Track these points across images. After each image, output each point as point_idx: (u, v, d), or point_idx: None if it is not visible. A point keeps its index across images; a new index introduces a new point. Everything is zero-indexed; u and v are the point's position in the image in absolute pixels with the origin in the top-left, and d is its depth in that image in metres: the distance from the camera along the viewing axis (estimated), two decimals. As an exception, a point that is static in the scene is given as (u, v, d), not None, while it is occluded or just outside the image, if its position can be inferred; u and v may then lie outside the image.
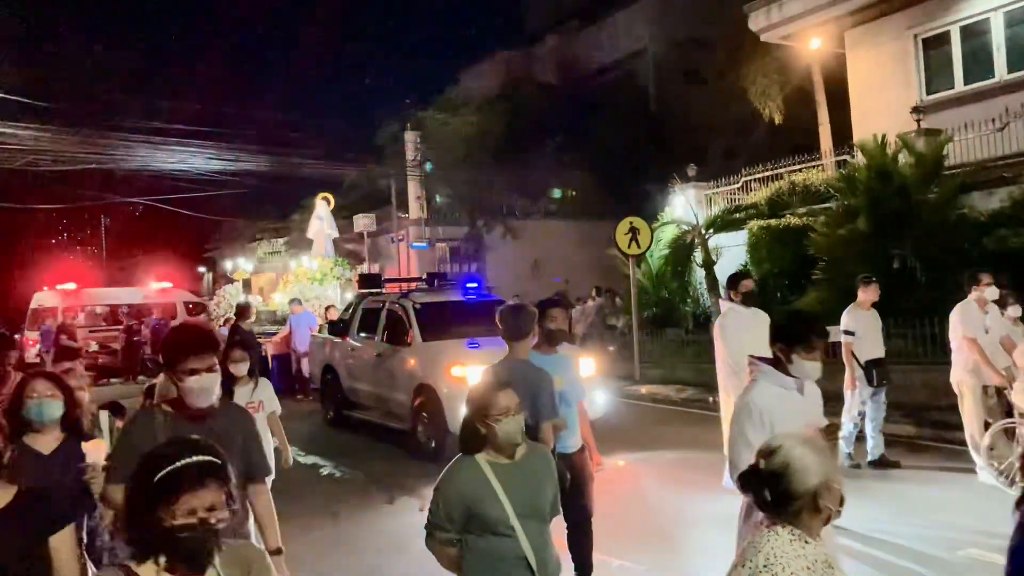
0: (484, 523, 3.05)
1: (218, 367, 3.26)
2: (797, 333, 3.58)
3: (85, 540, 3.72)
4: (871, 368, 8.13)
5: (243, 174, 27.20)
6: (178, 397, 3.25)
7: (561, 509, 3.40)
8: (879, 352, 8.33)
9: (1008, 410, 7.45)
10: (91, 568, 3.71)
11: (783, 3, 17.27)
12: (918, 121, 14.66)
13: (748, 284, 7.20)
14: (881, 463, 8.22)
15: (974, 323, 7.58)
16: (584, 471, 5.07)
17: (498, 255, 27.76)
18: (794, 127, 22.75)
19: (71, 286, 23.01)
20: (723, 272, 16.90)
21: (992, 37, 15.23)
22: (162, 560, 1.97)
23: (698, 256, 17.22)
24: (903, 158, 13.67)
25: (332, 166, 27.76)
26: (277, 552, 3.31)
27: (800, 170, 17.62)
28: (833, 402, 10.30)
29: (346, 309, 13.59)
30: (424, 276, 12.84)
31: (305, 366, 14.24)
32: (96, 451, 3.65)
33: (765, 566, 2.19)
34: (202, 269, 43.61)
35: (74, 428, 3.75)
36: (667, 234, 18.09)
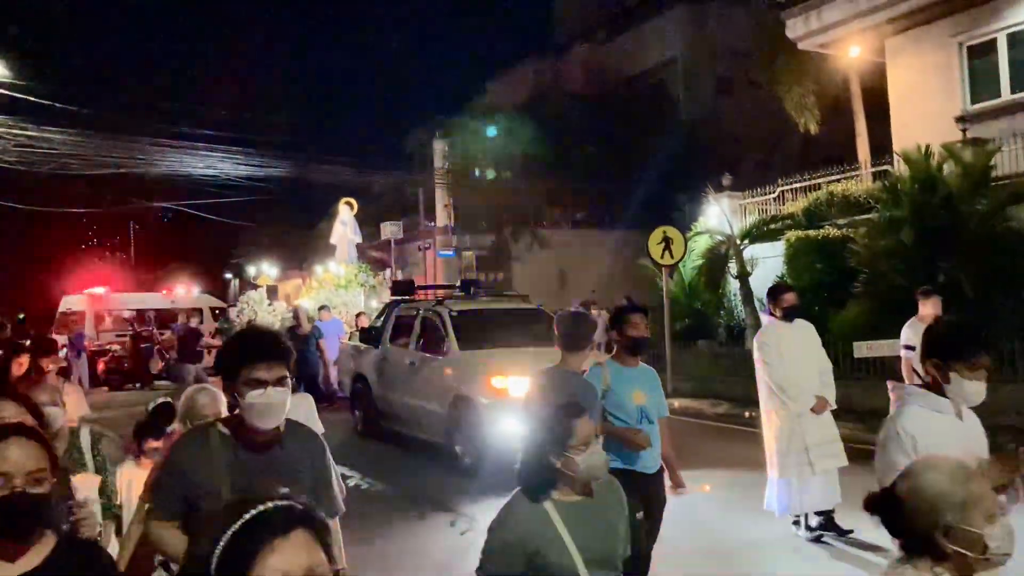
0: (547, 574, 2.64)
1: (289, 381, 2.62)
2: (957, 346, 2.96)
3: None
4: None
5: (271, 180, 27.28)
6: (236, 415, 2.67)
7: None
8: None
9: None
10: None
11: (822, 11, 16.92)
12: (964, 131, 14.26)
13: (790, 298, 6.64)
14: None
15: None
16: (659, 496, 4.72)
17: (525, 264, 27.52)
18: (828, 138, 22.35)
19: (100, 290, 23.05)
20: (758, 283, 16.56)
21: (1041, 45, 14.82)
22: None
23: (733, 267, 16.85)
24: (948, 168, 13.28)
25: (360, 173, 27.75)
26: None
27: (838, 180, 17.22)
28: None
29: (378, 316, 13.32)
30: (459, 283, 12.52)
31: (332, 373, 14.00)
32: (87, 485, 3.21)
33: None
34: (228, 275, 43.74)
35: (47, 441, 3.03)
36: (700, 244, 17.74)
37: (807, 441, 6.26)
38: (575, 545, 2.63)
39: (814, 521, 6.43)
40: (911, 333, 7.98)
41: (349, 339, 13.91)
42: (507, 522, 2.72)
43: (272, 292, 26.45)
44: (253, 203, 33.32)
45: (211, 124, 29.29)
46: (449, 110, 30.59)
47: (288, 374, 2.60)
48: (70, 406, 5.67)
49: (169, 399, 4.26)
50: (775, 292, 6.82)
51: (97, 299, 22.88)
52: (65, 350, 20.45)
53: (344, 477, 9.23)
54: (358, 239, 21.75)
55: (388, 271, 24.96)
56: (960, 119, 14.54)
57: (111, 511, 3.62)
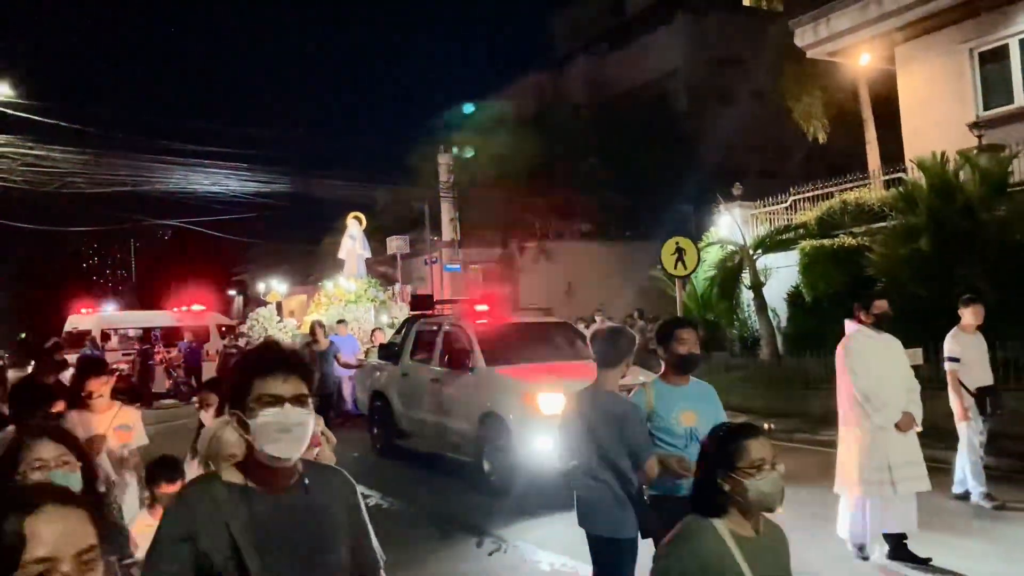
0: None
1: (311, 401, 2.19)
2: None
3: None
4: (983, 396, 7.47)
5: (275, 196, 27.20)
6: (249, 455, 2.15)
7: None
8: (988, 378, 7.66)
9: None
10: None
11: (831, 19, 16.87)
12: (979, 137, 14.17)
13: (883, 304, 6.14)
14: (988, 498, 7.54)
15: None
16: None
17: (531, 277, 27.39)
18: (834, 146, 22.30)
19: (108, 308, 22.93)
20: (772, 294, 16.45)
21: (1053, 50, 14.76)
22: None
23: (746, 278, 16.72)
24: (963, 175, 13.19)
25: (364, 188, 27.68)
26: None
27: (851, 189, 17.12)
28: (933, 437, 9.65)
29: (396, 332, 13.13)
30: (479, 297, 12.35)
31: (346, 389, 13.81)
32: (145, 531, 2.84)
33: None
34: (232, 292, 43.62)
35: (96, 503, 2.52)
36: (712, 255, 17.61)
37: (890, 459, 5.81)
38: None
39: (885, 547, 6.01)
40: (954, 344, 7.64)
41: (365, 355, 13.71)
42: (686, 546, 2.48)
43: (277, 309, 26.31)
44: (257, 220, 33.32)
45: (214, 141, 29.29)
46: (453, 124, 30.54)
47: (309, 393, 2.18)
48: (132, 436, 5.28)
49: (173, 456, 3.95)
50: (866, 298, 6.28)
51: (103, 317, 22.74)
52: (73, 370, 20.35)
53: (364, 497, 9.11)
54: (367, 254, 21.61)
55: (396, 286, 24.79)
56: (976, 125, 14.46)
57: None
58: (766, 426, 4.34)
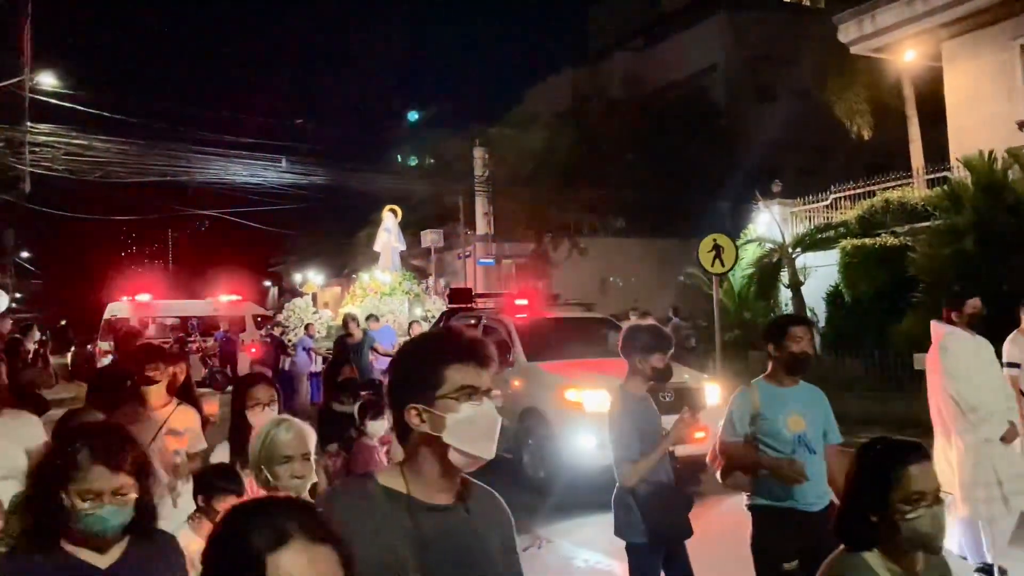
0: None
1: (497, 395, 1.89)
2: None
3: None
4: None
5: (311, 188, 27.37)
6: (408, 459, 1.84)
7: None
8: None
9: None
10: None
11: (876, 14, 16.58)
12: (1028, 135, 13.84)
13: (976, 304, 5.61)
14: None
15: None
16: (825, 538, 4.04)
17: (565, 273, 27.29)
18: (874, 144, 21.94)
19: (146, 297, 23.22)
20: (811, 293, 16.23)
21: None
22: None
23: (784, 276, 16.51)
24: (1012, 174, 12.90)
25: (399, 181, 27.77)
26: None
27: (893, 187, 16.83)
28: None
29: (434, 325, 13.13)
30: (516, 291, 12.24)
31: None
32: (192, 542, 2.57)
33: None
34: (268, 283, 44.01)
35: (146, 523, 2.21)
36: (749, 253, 17.40)
37: (999, 474, 5.25)
38: None
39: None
40: (1015, 349, 7.12)
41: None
42: None
43: (312, 300, 26.49)
44: (292, 211, 33.56)
45: (252, 132, 29.49)
46: (489, 118, 30.57)
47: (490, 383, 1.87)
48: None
49: (229, 465, 3.46)
50: (958, 297, 5.70)
51: (142, 306, 23.05)
52: (109, 358, 20.63)
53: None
54: (402, 246, 21.63)
55: (429, 279, 24.88)
56: (1024, 124, 14.13)
57: None
58: None
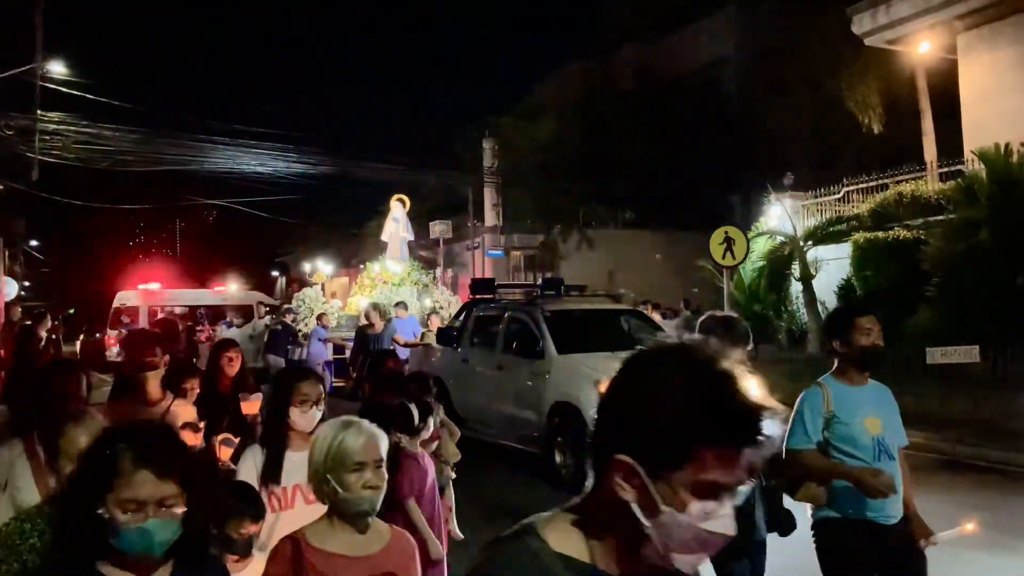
0: None
1: None
2: None
3: None
4: None
5: (319, 179, 27.37)
6: (609, 523, 1.29)
7: None
8: None
9: None
10: None
11: (891, 5, 16.45)
12: (1046, 129, 13.70)
13: None
14: None
15: None
16: (910, 553, 3.55)
17: (573, 264, 27.20)
18: (887, 137, 21.77)
19: (155, 286, 23.25)
20: (822, 286, 16.14)
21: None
22: None
23: (796, 269, 16.43)
24: (1028, 168, 12.79)
25: (409, 172, 27.71)
26: None
27: (906, 181, 16.72)
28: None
29: (455, 316, 12.78)
30: (539, 282, 11.86)
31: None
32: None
33: None
34: (275, 273, 44.07)
35: (195, 544, 1.86)
36: (759, 246, 17.33)
37: None
38: None
39: None
40: None
41: (421, 339, 13.53)
42: None
43: (321, 290, 26.52)
44: (301, 201, 33.60)
45: (261, 122, 29.49)
46: (498, 109, 30.45)
47: None
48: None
49: (249, 484, 3.11)
50: None
51: (151, 295, 23.07)
52: (119, 346, 20.65)
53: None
54: (410, 236, 21.58)
55: (437, 270, 24.84)
56: (1040, 117, 13.99)
57: None
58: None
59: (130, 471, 1.72)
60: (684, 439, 1.18)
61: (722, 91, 31.48)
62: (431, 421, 4.67)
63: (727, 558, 3.47)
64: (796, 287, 16.82)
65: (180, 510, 1.75)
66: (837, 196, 18.10)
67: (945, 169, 16.94)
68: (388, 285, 18.70)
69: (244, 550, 2.93)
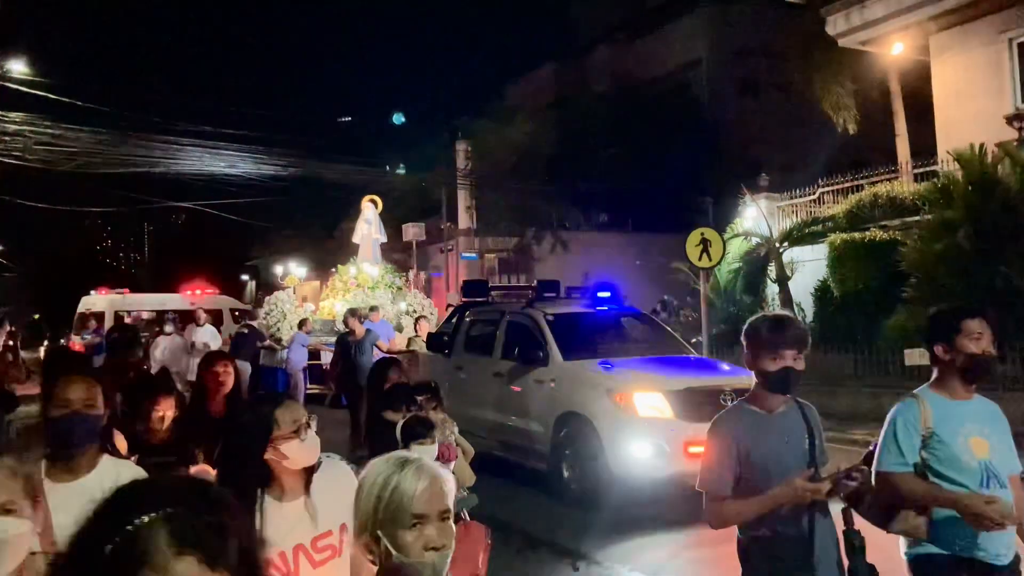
0: None
1: None
2: None
3: None
4: None
5: (289, 180, 26.97)
6: None
7: None
8: None
9: None
10: None
11: (865, 6, 16.45)
12: (1020, 130, 13.77)
13: None
14: None
15: None
16: None
17: (547, 267, 27.06)
18: (858, 139, 21.85)
19: (121, 290, 22.74)
20: (798, 287, 16.10)
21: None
22: None
23: (772, 271, 16.37)
24: (1002, 169, 12.81)
25: (380, 174, 27.41)
26: None
27: (879, 182, 16.75)
28: None
29: (446, 321, 12.16)
30: (534, 284, 11.19)
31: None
32: None
33: None
34: (245, 277, 43.47)
35: None
36: (735, 247, 17.26)
37: None
38: None
39: None
40: None
41: (408, 346, 13.14)
42: None
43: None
44: (270, 205, 33.09)
45: (230, 124, 29.05)
46: (471, 111, 30.27)
47: None
48: None
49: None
50: None
51: (117, 299, 22.56)
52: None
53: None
54: (383, 238, 21.24)
55: (410, 273, 24.53)
56: (1013, 118, 14.04)
57: None
58: None
59: (166, 557, 1.08)
60: None
61: (695, 93, 31.55)
62: (432, 448, 3.98)
63: None
64: (772, 289, 16.77)
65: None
66: (812, 197, 18.10)
67: (919, 170, 17.00)
68: (363, 289, 18.37)
69: None
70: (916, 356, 11.21)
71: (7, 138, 19.27)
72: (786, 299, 15.96)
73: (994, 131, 14.03)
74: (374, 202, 21.38)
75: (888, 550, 3.15)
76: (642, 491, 7.18)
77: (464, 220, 27.21)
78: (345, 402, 11.84)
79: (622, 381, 7.79)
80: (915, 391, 3.17)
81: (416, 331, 13.99)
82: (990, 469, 2.97)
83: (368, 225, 20.97)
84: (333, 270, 23.32)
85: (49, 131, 19.52)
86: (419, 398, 4.69)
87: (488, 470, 8.94)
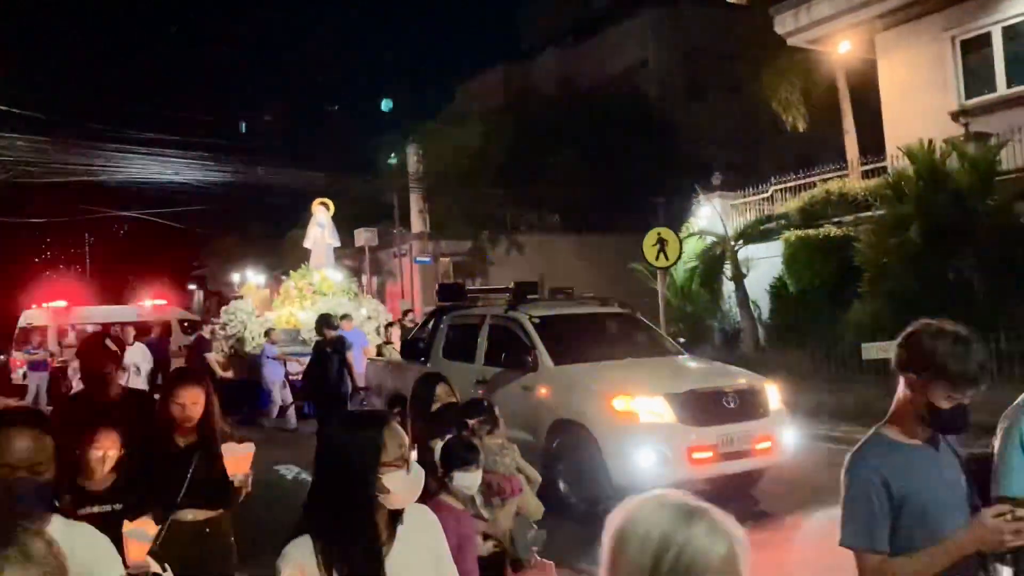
0: None
1: None
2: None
3: None
4: None
5: (237, 187, 26.42)
6: None
7: None
8: None
9: None
10: None
11: (812, 5, 16.64)
12: (966, 125, 14.04)
13: None
14: None
15: None
16: None
17: (502, 270, 26.92)
18: (806, 138, 22.15)
19: (61, 303, 22.00)
20: (754, 285, 16.21)
21: (1036, 37, 14.66)
22: None
23: (728, 269, 16.47)
24: (950, 164, 13.04)
25: (331, 179, 26.98)
26: None
27: (829, 179, 16.98)
28: None
29: (422, 326, 11.64)
30: (511, 285, 10.67)
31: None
32: None
33: None
34: (192, 286, 42.55)
35: None
36: (691, 246, 17.32)
37: None
38: None
39: None
40: None
41: (378, 352, 12.70)
42: None
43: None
44: (216, 212, 32.41)
45: (174, 129, 28.34)
46: (421, 115, 30.03)
47: None
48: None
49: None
50: None
51: (59, 313, 21.83)
52: (24, 368, 19.38)
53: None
54: (336, 243, 20.78)
55: (363, 278, 24.20)
56: (963, 113, 14.32)
57: None
58: None
59: None
60: None
61: (644, 94, 31.73)
62: (476, 475, 3.45)
63: None
64: (729, 287, 16.87)
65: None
66: (765, 195, 18.27)
67: (869, 167, 17.25)
68: (327, 296, 17.93)
69: None
70: (874, 351, 11.32)
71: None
72: (742, 297, 16.07)
73: (940, 127, 14.29)
74: (325, 205, 20.89)
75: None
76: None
77: (417, 224, 26.95)
78: (309, 411, 11.47)
79: (620, 385, 7.46)
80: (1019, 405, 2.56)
81: (388, 338, 13.63)
82: None
83: (320, 229, 20.51)
84: (283, 276, 22.84)
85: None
86: (471, 422, 4.11)
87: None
